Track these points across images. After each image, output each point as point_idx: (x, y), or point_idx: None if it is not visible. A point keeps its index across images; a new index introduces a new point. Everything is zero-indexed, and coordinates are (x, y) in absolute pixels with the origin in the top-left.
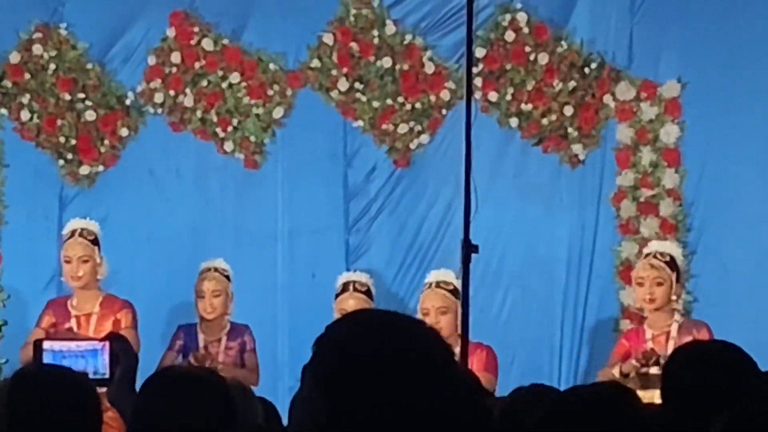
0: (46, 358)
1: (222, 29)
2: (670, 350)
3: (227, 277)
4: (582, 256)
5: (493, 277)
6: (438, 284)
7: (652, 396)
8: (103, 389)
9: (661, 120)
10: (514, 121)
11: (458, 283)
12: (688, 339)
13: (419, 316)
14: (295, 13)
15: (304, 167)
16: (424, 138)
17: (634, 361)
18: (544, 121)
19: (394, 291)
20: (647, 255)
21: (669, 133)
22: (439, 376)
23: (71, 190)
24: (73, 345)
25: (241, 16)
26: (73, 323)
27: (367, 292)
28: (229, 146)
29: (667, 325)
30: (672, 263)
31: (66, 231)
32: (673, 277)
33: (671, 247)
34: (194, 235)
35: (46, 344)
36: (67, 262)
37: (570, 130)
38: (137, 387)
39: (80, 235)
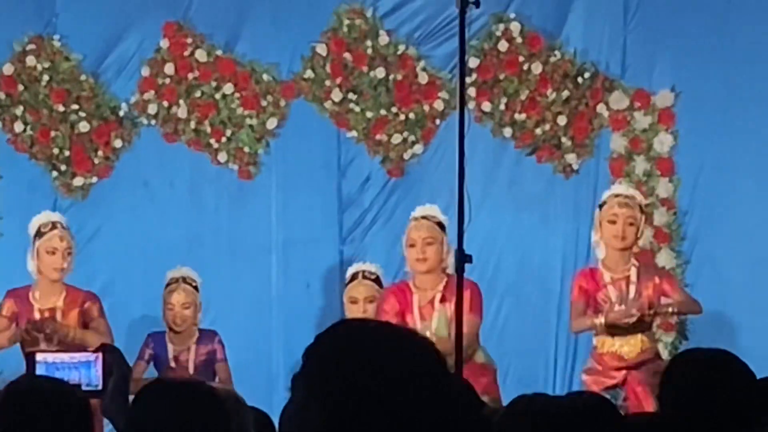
0: (39, 370)
1: (215, 40)
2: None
3: (196, 288)
4: (576, 266)
5: (488, 287)
6: (424, 217)
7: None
8: (96, 400)
9: (655, 129)
10: (507, 131)
11: (444, 219)
12: (649, 285)
13: (405, 248)
14: (288, 24)
15: (298, 178)
16: (418, 148)
17: (634, 311)
18: (538, 130)
19: None
20: (617, 196)
21: (663, 143)
22: (431, 383)
23: (65, 201)
24: (66, 357)
25: (235, 27)
26: (36, 317)
27: (376, 280)
28: (222, 157)
29: (626, 269)
30: (641, 208)
31: (41, 222)
32: (642, 220)
33: (637, 194)
34: (189, 246)
35: (39, 356)
36: (51, 253)
37: (564, 139)
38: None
39: (62, 227)
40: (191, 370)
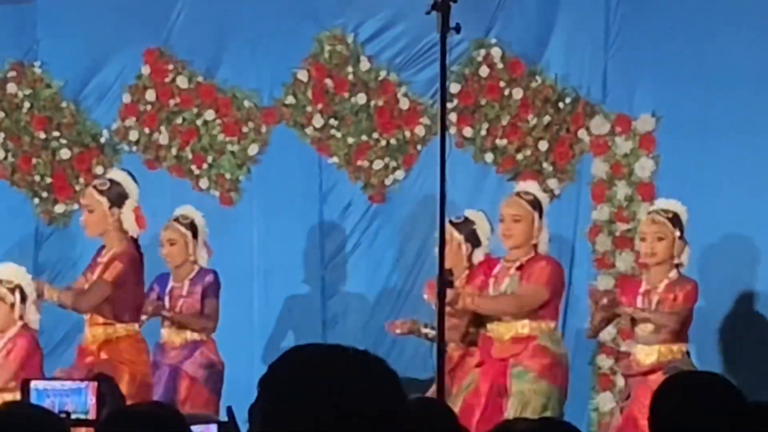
0: (32, 396)
1: (196, 66)
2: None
3: (189, 225)
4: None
5: None
6: (518, 194)
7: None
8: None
9: (636, 154)
10: (489, 157)
11: (543, 197)
12: (670, 296)
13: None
14: (269, 50)
15: (279, 204)
16: (399, 174)
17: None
18: (519, 156)
19: (370, 326)
20: (651, 212)
21: (644, 167)
22: (390, 406)
23: (47, 228)
24: (57, 384)
25: (216, 53)
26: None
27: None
28: (204, 183)
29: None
30: (675, 220)
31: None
32: (676, 233)
33: (676, 205)
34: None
35: (33, 383)
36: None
37: (545, 164)
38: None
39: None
40: (178, 307)
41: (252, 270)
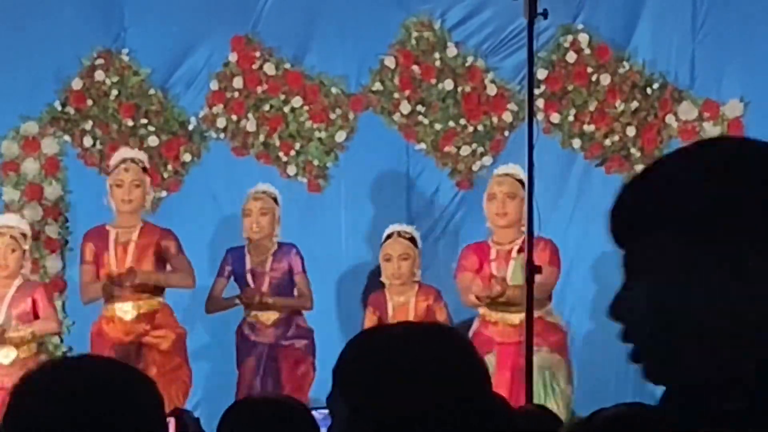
0: None
1: (283, 53)
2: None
3: (275, 200)
4: None
5: (558, 298)
6: (507, 174)
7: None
8: None
9: None
10: (576, 142)
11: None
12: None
13: (485, 203)
14: (356, 37)
15: (367, 190)
16: (487, 160)
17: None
18: (607, 141)
19: (457, 311)
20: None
21: None
22: (462, 387)
23: None
24: None
25: (303, 40)
26: (111, 253)
27: (411, 239)
28: (292, 170)
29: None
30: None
31: (115, 161)
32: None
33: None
34: None
35: None
36: (119, 186)
37: (633, 150)
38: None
39: (132, 161)
40: (265, 286)
41: (340, 256)
